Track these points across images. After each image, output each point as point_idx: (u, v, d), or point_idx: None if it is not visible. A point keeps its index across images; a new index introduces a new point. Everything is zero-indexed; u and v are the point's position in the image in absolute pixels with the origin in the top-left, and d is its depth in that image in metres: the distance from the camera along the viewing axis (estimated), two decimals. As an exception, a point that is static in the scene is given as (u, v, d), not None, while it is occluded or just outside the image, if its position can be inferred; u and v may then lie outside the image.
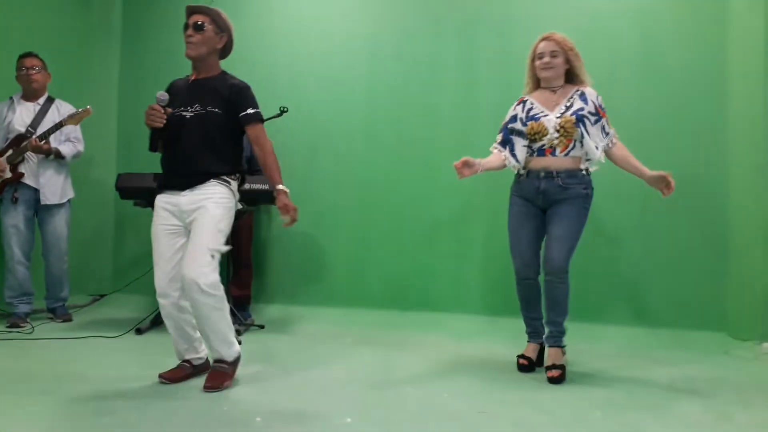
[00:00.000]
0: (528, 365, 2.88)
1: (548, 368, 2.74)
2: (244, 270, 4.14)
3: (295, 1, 4.70)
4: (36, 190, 3.90)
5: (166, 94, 2.57)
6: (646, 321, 3.77)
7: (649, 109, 3.85)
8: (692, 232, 3.74)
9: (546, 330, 2.86)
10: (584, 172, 2.83)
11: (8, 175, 3.83)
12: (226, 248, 2.52)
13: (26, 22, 4.58)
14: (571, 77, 2.91)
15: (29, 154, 3.86)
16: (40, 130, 3.87)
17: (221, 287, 2.48)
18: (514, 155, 2.90)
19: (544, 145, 2.82)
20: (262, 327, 3.91)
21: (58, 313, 4.04)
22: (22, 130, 3.87)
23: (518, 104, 2.96)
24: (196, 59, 2.60)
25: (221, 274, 2.50)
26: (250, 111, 2.57)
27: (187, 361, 2.64)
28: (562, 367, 2.73)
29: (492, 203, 3.95)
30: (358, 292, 4.37)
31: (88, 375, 2.69)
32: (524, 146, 2.88)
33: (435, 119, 4.28)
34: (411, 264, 4.27)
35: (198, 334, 2.63)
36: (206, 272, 2.40)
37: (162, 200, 2.57)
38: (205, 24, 2.57)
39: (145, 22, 5.16)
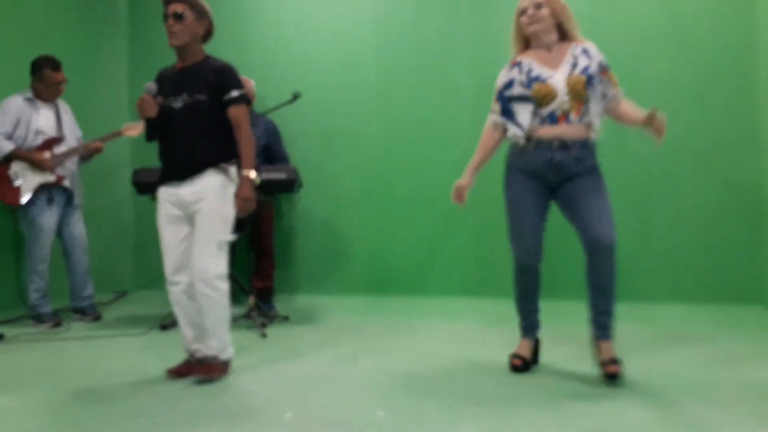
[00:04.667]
0: (522, 365, 2.58)
1: (606, 363, 2.40)
2: (266, 261, 4.10)
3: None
4: (70, 192, 3.92)
5: (154, 84, 2.60)
6: (679, 296, 3.68)
7: (677, 82, 3.72)
8: (725, 202, 3.62)
9: (593, 322, 2.48)
10: (593, 142, 2.51)
11: (52, 177, 3.81)
12: (231, 238, 2.58)
13: (33, 22, 4.53)
14: (563, 34, 2.52)
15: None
16: (66, 133, 3.90)
17: (226, 282, 2.55)
18: (518, 125, 2.52)
19: (555, 111, 2.45)
20: (287, 318, 3.87)
21: (88, 311, 4.05)
22: (53, 133, 3.86)
23: (512, 67, 2.58)
24: (179, 48, 2.61)
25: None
26: (233, 93, 2.58)
27: (193, 354, 2.65)
28: (619, 362, 2.41)
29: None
30: (381, 279, 4.32)
31: (117, 372, 2.70)
32: (531, 112, 2.50)
33: (452, 97, 4.18)
34: (432, 247, 4.20)
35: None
36: (212, 264, 2.50)
37: (164, 192, 2.63)
38: (185, 12, 2.55)
39: (151, 16, 5.07)
